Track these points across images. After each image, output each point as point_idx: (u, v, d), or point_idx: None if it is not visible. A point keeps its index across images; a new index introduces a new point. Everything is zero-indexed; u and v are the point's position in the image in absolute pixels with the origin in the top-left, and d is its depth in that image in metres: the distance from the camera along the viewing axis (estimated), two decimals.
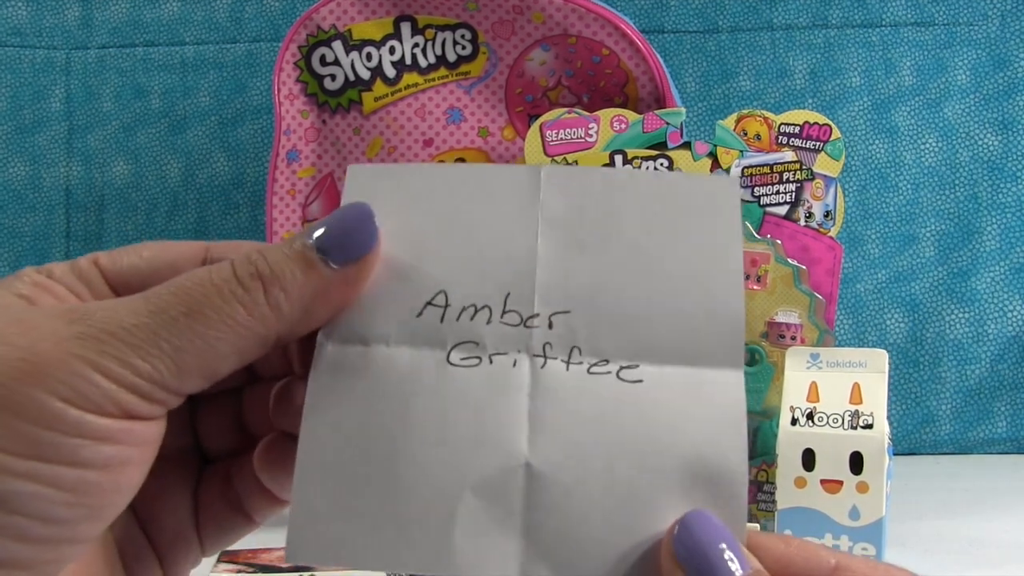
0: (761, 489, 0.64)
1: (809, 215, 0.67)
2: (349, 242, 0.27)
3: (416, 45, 0.76)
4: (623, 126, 0.69)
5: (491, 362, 0.28)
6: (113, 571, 0.29)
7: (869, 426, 0.54)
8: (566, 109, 0.70)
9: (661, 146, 0.68)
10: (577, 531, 0.26)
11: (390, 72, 0.76)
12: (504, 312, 0.28)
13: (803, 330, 0.65)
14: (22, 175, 0.93)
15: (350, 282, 0.28)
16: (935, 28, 0.91)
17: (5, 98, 0.93)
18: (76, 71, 0.93)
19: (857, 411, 0.55)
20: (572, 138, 0.69)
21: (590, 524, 0.26)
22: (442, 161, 0.75)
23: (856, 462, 0.54)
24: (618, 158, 0.68)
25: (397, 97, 0.76)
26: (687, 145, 0.68)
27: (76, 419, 0.24)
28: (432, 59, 0.76)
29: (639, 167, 0.68)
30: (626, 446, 0.27)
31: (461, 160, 0.75)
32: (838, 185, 0.68)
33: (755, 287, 0.65)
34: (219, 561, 0.53)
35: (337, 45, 0.76)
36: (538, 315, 0.28)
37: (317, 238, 0.27)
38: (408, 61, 0.76)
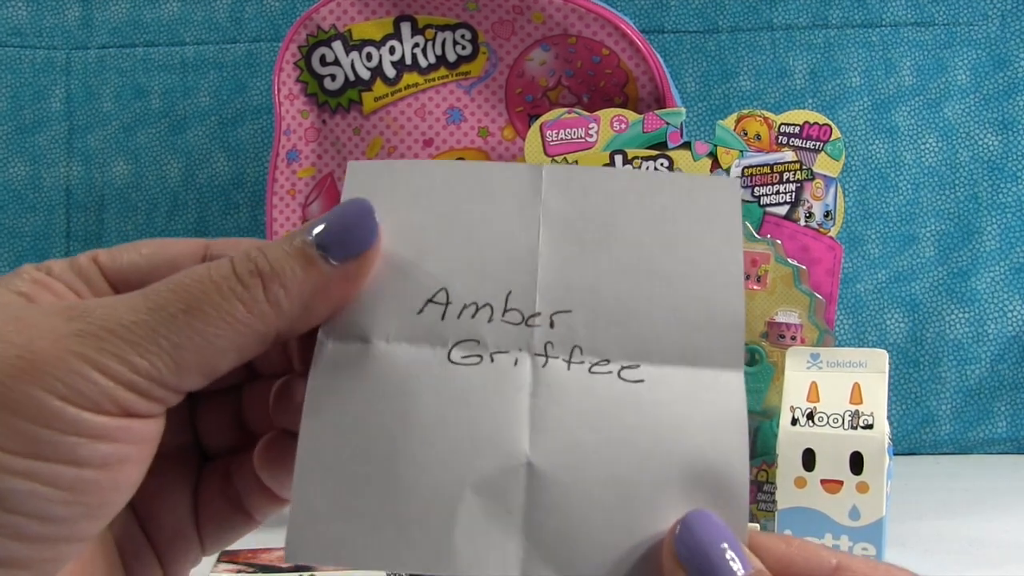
0: (761, 489, 0.64)
1: (809, 215, 0.67)
2: (349, 238, 0.27)
3: (416, 45, 0.76)
4: (623, 126, 0.69)
5: (492, 361, 0.28)
6: (112, 570, 0.29)
7: (869, 426, 0.54)
8: (566, 109, 0.70)
9: (661, 146, 0.68)
10: (578, 531, 0.26)
11: (390, 72, 0.76)
12: (505, 311, 0.28)
13: (803, 330, 0.65)
14: (22, 175, 0.93)
15: (350, 279, 0.28)
16: (935, 28, 0.91)
17: (5, 98, 0.93)
18: (76, 71, 0.93)
19: (857, 411, 0.55)
20: (572, 138, 0.69)
21: (591, 524, 0.26)
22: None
23: (856, 462, 0.54)
24: (618, 158, 0.68)
25: (397, 97, 0.76)
26: (687, 145, 0.68)
27: (74, 417, 0.24)
28: (432, 59, 0.76)
29: (639, 167, 0.68)
30: (627, 446, 0.27)
31: (461, 160, 0.75)
32: (838, 185, 0.68)
33: (755, 287, 0.65)
34: (219, 561, 0.53)
35: (337, 45, 0.76)
36: (539, 314, 0.28)
37: (317, 234, 0.27)
38: (408, 61, 0.76)
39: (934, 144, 0.91)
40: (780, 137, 0.68)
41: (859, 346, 0.82)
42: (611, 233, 0.29)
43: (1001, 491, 0.78)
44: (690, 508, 0.26)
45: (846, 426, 0.55)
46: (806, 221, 0.67)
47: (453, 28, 0.75)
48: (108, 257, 0.29)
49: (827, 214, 0.67)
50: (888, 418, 0.55)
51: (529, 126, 0.73)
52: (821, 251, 0.66)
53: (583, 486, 0.27)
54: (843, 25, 0.91)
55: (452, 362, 0.28)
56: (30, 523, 0.24)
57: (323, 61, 0.76)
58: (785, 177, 0.67)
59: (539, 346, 0.28)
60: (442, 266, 0.28)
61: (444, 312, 0.28)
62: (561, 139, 0.69)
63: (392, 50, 0.76)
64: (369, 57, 0.76)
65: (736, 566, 0.25)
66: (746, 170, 0.67)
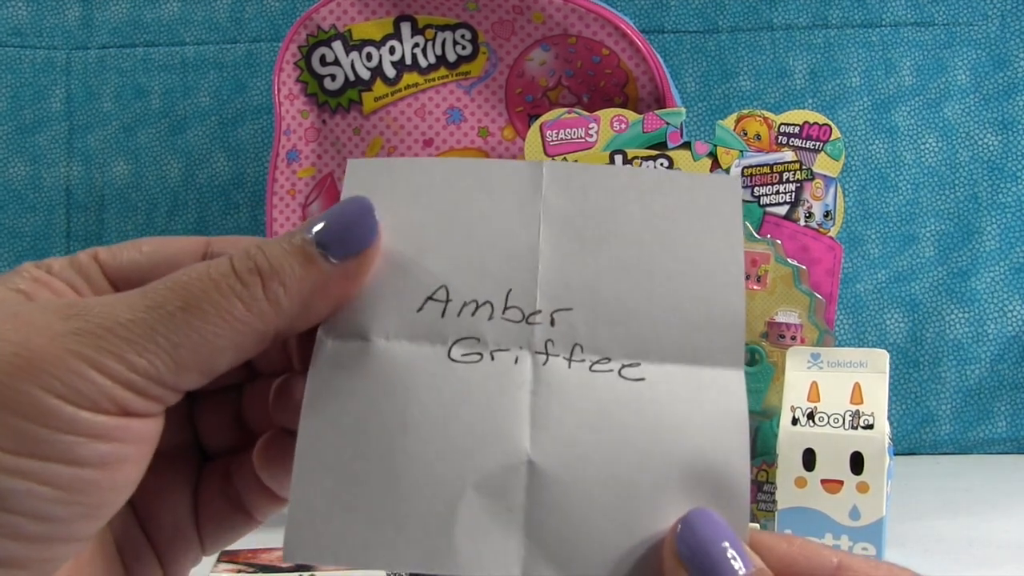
0: (761, 489, 0.64)
1: (809, 215, 0.67)
2: (349, 236, 0.27)
3: (416, 45, 0.76)
4: (623, 126, 0.69)
5: (492, 358, 0.28)
6: (112, 569, 0.29)
7: (869, 426, 0.54)
8: (566, 109, 0.70)
9: (661, 146, 0.68)
10: (579, 529, 0.26)
11: (390, 72, 0.76)
12: (506, 308, 0.28)
13: (803, 330, 0.65)
14: (22, 175, 0.93)
15: (350, 277, 0.27)
16: (935, 28, 0.91)
17: (5, 98, 0.93)
18: (76, 71, 0.93)
19: (857, 411, 0.55)
20: (572, 138, 0.69)
21: (592, 522, 0.26)
22: None
23: (856, 462, 0.54)
24: (618, 158, 0.68)
25: (397, 97, 0.76)
26: (687, 145, 0.68)
27: (71, 416, 0.24)
28: (432, 59, 0.76)
29: (639, 167, 0.68)
30: (628, 444, 0.27)
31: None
32: (838, 185, 0.68)
33: (755, 287, 0.65)
34: (219, 561, 0.53)
35: (337, 45, 0.76)
36: (540, 312, 0.28)
37: (316, 232, 0.27)
38: (408, 61, 0.76)
39: (934, 144, 0.91)
40: (780, 137, 0.68)
41: (859, 346, 0.82)
42: (611, 231, 0.29)
43: (1001, 491, 0.78)
44: (691, 507, 0.26)
45: (846, 426, 0.55)
46: (806, 221, 0.67)
47: (453, 28, 0.75)
48: (108, 255, 0.29)
49: (827, 214, 0.67)
50: (888, 418, 0.55)
51: (529, 126, 0.73)
52: (821, 251, 0.66)
53: (584, 484, 0.27)
54: (843, 25, 0.91)
55: (452, 360, 0.28)
56: (28, 523, 0.24)
57: (323, 61, 0.76)
58: (785, 177, 0.67)
59: (539, 344, 0.28)
60: (442, 264, 0.28)
61: (444, 310, 0.28)
62: (561, 139, 0.69)
63: (392, 50, 0.76)
64: (369, 57, 0.76)
65: (737, 565, 0.25)
66: (746, 170, 0.67)
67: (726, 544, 0.25)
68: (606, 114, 0.69)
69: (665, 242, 0.29)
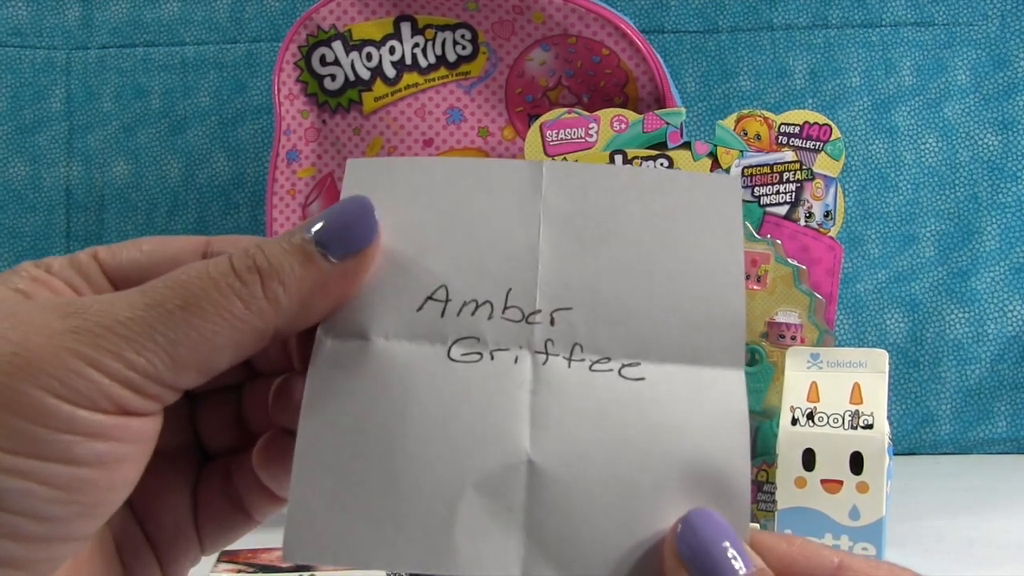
0: (761, 489, 0.64)
1: (809, 215, 0.67)
2: (348, 235, 0.27)
3: (416, 45, 0.76)
4: (623, 126, 0.69)
5: (492, 358, 0.28)
6: (111, 569, 0.29)
7: (869, 426, 0.54)
8: (566, 109, 0.70)
9: (661, 146, 0.68)
10: (579, 529, 0.26)
11: (390, 72, 0.76)
12: (505, 308, 0.28)
13: (803, 330, 0.65)
14: (22, 175, 0.93)
15: (349, 276, 0.27)
16: (935, 28, 0.91)
17: (5, 98, 0.93)
18: (76, 71, 0.93)
19: (857, 411, 0.55)
20: (572, 138, 0.69)
21: (592, 522, 0.26)
22: None
23: (856, 462, 0.54)
24: (618, 158, 0.68)
25: (397, 97, 0.76)
26: (687, 145, 0.68)
27: (69, 415, 0.24)
28: (432, 59, 0.76)
29: (639, 167, 0.68)
30: (628, 444, 0.27)
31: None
32: (838, 185, 0.68)
33: (755, 287, 0.65)
34: (219, 561, 0.53)
35: (337, 45, 0.76)
36: (540, 311, 0.28)
37: (316, 231, 0.27)
38: (408, 61, 0.76)
39: (934, 144, 0.91)
40: (780, 137, 0.68)
41: (859, 346, 0.82)
42: (611, 230, 0.29)
43: (1001, 491, 0.78)
44: (691, 507, 0.26)
45: (846, 426, 0.55)
46: (806, 221, 0.67)
47: (453, 28, 0.75)
48: (108, 254, 0.29)
49: (827, 214, 0.67)
50: (888, 418, 0.55)
51: (529, 126, 0.73)
52: (821, 251, 0.66)
53: (584, 484, 0.27)
54: (843, 25, 0.91)
55: (452, 359, 0.28)
56: (26, 522, 0.24)
57: (323, 61, 0.76)
58: (785, 177, 0.67)
59: (539, 343, 0.28)
60: (442, 263, 0.28)
61: (444, 309, 0.28)
62: (561, 139, 0.69)
63: (392, 50, 0.76)
64: (369, 57, 0.76)
65: (738, 564, 0.25)
66: (746, 170, 0.67)
67: (726, 544, 0.25)
68: (606, 114, 0.69)
69: (665, 242, 0.29)
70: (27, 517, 0.24)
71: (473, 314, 0.28)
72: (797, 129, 0.68)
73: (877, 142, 0.91)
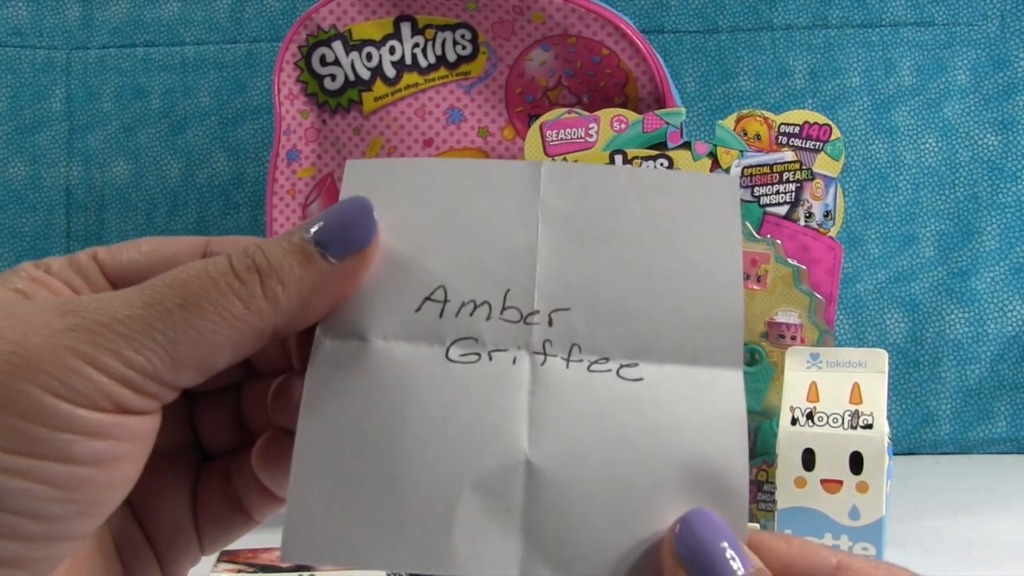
0: (761, 489, 0.64)
1: (809, 215, 0.67)
2: (347, 236, 0.27)
3: (416, 45, 0.76)
4: (623, 126, 0.69)
5: (490, 359, 0.28)
6: (110, 568, 0.29)
7: (869, 426, 0.54)
8: (566, 109, 0.70)
9: (661, 146, 0.68)
10: (578, 529, 0.26)
11: (390, 72, 0.76)
12: (504, 308, 0.28)
13: (803, 330, 0.65)
14: (22, 175, 0.93)
15: (348, 276, 0.27)
16: (935, 28, 0.91)
17: (5, 98, 0.93)
18: (76, 71, 0.93)
19: (857, 411, 0.55)
20: (572, 138, 0.69)
21: (591, 522, 0.26)
22: None
23: (856, 462, 0.54)
24: (618, 158, 0.68)
25: (397, 97, 0.76)
26: (687, 145, 0.68)
27: (67, 414, 0.24)
28: (432, 59, 0.76)
29: (639, 167, 0.68)
30: (626, 444, 0.27)
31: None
32: (838, 185, 0.68)
33: (755, 287, 0.65)
34: (219, 561, 0.53)
35: (337, 45, 0.76)
36: (538, 312, 0.28)
37: (315, 232, 0.27)
38: (408, 61, 0.76)
39: (934, 144, 0.91)
40: (780, 137, 0.68)
41: (859, 346, 0.82)
42: (610, 231, 0.29)
43: (1001, 491, 0.78)
44: (690, 507, 0.26)
45: (846, 426, 0.55)
46: (806, 221, 0.67)
47: (453, 28, 0.75)
48: (108, 254, 0.29)
49: (827, 214, 0.67)
50: (888, 418, 0.55)
51: (529, 126, 0.73)
52: (821, 251, 0.66)
53: (582, 485, 0.27)
54: (843, 25, 0.91)
55: (450, 360, 0.28)
56: (24, 522, 0.24)
57: (323, 61, 0.76)
58: (785, 177, 0.67)
59: (538, 344, 0.28)
60: (440, 264, 0.28)
61: (442, 310, 0.28)
62: (561, 139, 0.69)
63: (392, 50, 0.76)
64: (369, 57, 0.76)
65: (736, 565, 0.25)
66: (746, 170, 0.67)
67: (725, 544, 0.25)
68: (606, 114, 0.69)
69: (664, 242, 0.29)
70: (26, 516, 0.24)
71: (471, 315, 0.28)
72: (797, 129, 0.68)
73: (877, 142, 0.91)
